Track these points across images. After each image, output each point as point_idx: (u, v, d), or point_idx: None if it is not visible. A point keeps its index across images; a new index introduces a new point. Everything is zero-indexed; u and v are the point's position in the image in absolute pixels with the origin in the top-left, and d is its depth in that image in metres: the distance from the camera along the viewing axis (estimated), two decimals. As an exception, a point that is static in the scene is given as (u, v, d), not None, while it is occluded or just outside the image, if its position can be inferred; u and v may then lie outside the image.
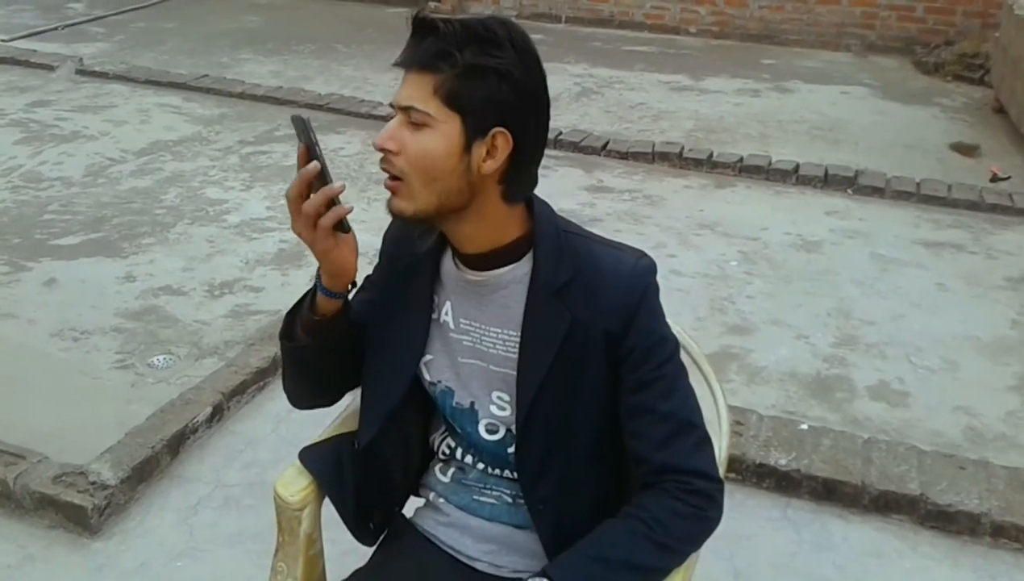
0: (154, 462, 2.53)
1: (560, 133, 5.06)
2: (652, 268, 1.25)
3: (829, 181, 4.63)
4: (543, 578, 1.16)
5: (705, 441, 1.25)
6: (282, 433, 2.74)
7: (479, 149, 1.15)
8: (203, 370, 2.94)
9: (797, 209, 4.41)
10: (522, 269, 1.25)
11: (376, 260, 1.40)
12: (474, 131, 1.15)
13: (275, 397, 2.90)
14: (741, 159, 4.81)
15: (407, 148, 1.15)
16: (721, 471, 1.35)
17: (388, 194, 1.21)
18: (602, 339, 1.21)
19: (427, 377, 1.34)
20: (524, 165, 1.20)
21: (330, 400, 1.44)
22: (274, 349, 2.97)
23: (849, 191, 4.58)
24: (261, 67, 6.48)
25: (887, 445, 2.62)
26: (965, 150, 5.17)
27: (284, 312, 1.35)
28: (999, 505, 2.40)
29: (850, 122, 5.63)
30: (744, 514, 2.45)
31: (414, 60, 1.15)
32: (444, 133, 1.14)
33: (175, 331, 3.19)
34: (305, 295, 1.31)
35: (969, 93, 6.25)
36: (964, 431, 2.79)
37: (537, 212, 1.25)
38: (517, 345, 1.25)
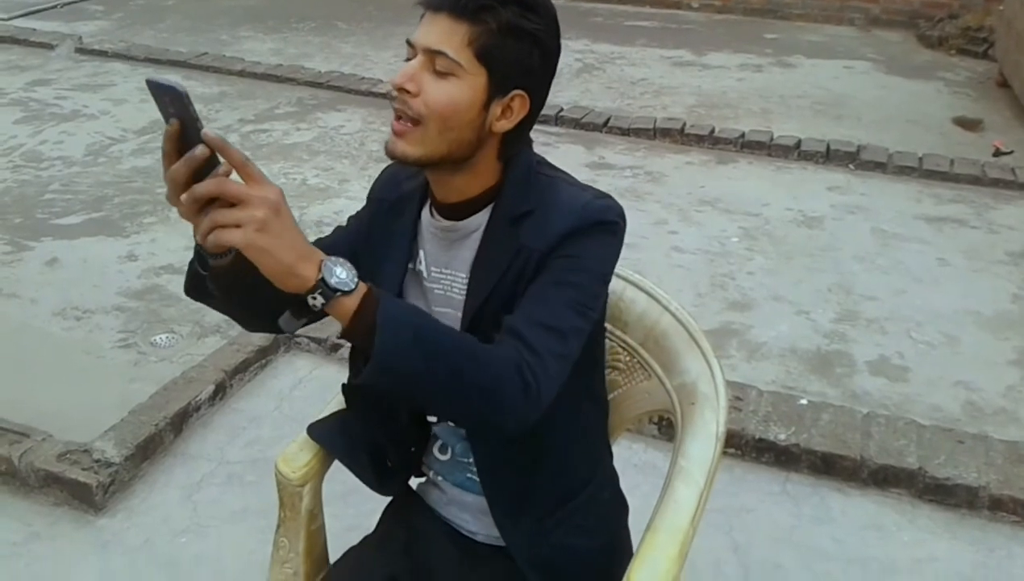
0: (158, 440, 2.55)
1: (561, 110, 5.04)
2: (608, 208, 1.20)
3: (831, 156, 4.62)
4: (370, 290, 1.05)
5: (556, 331, 1.13)
6: (284, 410, 2.75)
7: (496, 107, 1.15)
8: (205, 348, 2.96)
9: (799, 185, 4.40)
10: (488, 214, 1.24)
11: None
12: (497, 89, 1.14)
13: (277, 375, 2.92)
14: (743, 135, 4.79)
15: (428, 93, 1.12)
16: (719, 446, 1.36)
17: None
18: (536, 261, 1.18)
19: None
20: (528, 127, 1.21)
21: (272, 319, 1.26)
22: (276, 327, 2.98)
23: (851, 166, 4.57)
24: (261, 45, 6.45)
25: (886, 420, 2.63)
26: (968, 124, 5.15)
27: None
28: (997, 479, 2.41)
29: (853, 97, 5.61)
30: (743, 488, 2.47)
31: (453, 5, 1.11)
32: (470, 85, 1.13)
33: (177, 310, 3.20)
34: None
35: (973, 67, 6.21)
36: (964, 406, 2.80)
37: (517, 155, 1.24)
38: None
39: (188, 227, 1.04)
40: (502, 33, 1.12)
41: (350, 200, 4.01)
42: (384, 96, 5.26)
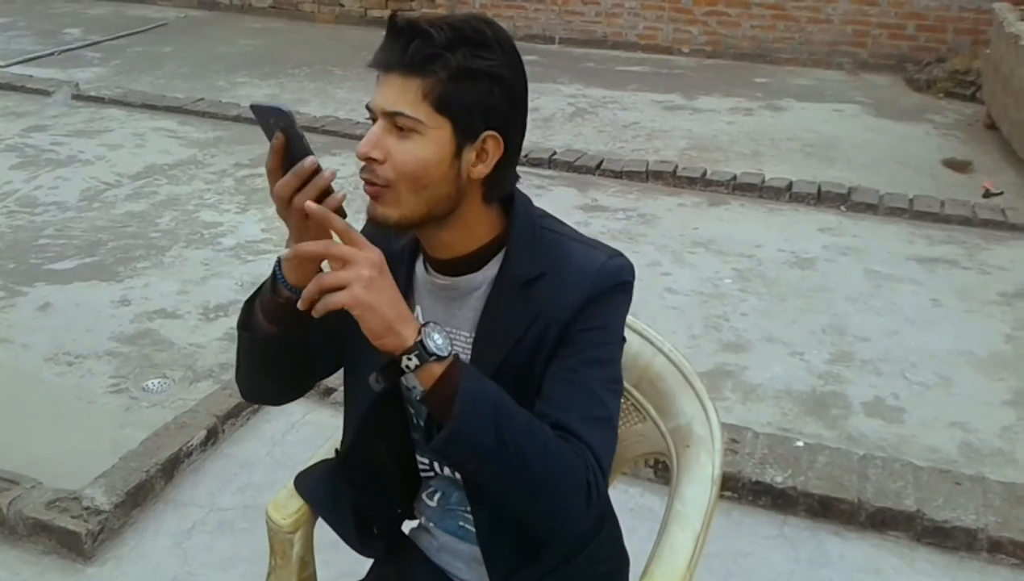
0: (148, 486, 2.52)
1: (554, 153, 5.08)
2: (623, 268, 1.20)
3: (822, 198, 4.65)
4: (457, 358, 1.07)
5: (608, 423, 1.16)
6: (276, 456, 2.73)
7: (469, 154, 1.12)
8: (198, 393, 2.94)
9: (791, 226, 4.42)
10: (492, 270, 1.21)
11: None
12: (464, 136, 1.11)
13: (270, 419, 2.90)
14: (735, 177, 4.83)
15: (394, 156, 1.10)
16: (715, 489, 1.35)
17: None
18: (557, 331, 1.16)
19: (404, 383, 1.27)
20: (509, 165, 1.17)
21: (290, 396, 1.35)
22: (269, 371, 2.97)
23: (842, 208, 4.60)
24: (257, 90, 6.51)
25: (883, 461, 2.62)
26: (957, 166, 5.20)
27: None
28: (996, 520, 2.39)
29: (843, 139, 5.66)
30: (740, 532, 2.45)
31: (399, 62, 1.09)
32: (434, 139, 1.09)
33: (169, 354, 3.18)
34: (265, 282, 1.20)
35: (961, 109, 6.29)
36: (960, 447, 2.79)
37: (516, 208, 1.21)
38: None
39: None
40: (454, 79, 1.08)
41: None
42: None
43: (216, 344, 3.26)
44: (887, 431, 2.86)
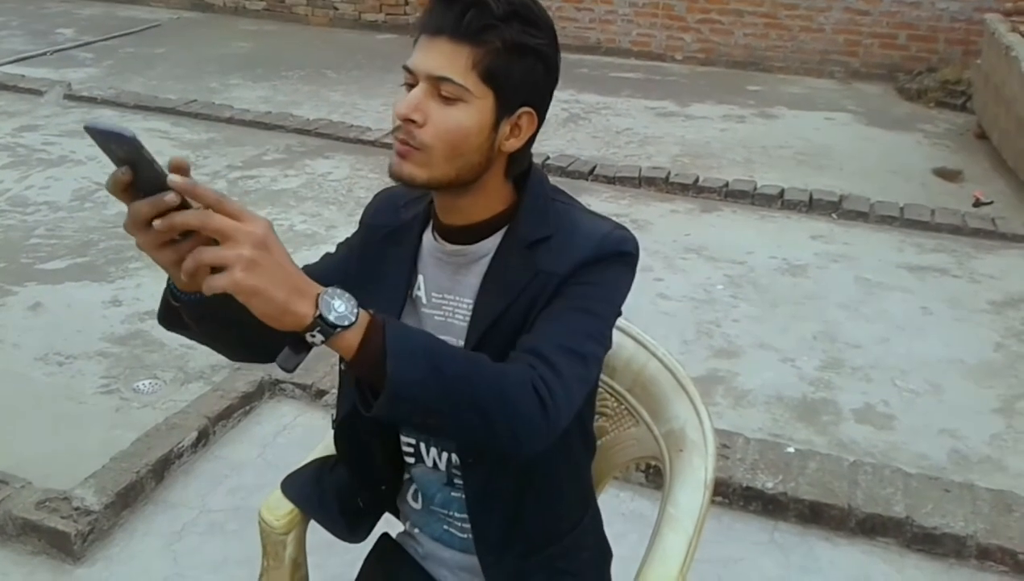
0: (139, 487, 2.51)
1: (548, 158, 5.09)
2: (626, 239, 1.19)
3: (814, 206, 4.67)
4: (373, 318, 1.00)
5: (579, 356, 1.11)
6: (268, 457, 2.72)
7: (504, 127, 1.13)
8: (189, 394, 2.93)
9: (782, 233, 4.44)
10: (499, 239, 1.21)
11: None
12: (504, 109, 1.12)
13: (261, 421, 2.89)
14: (727, 184, 4.85)
15: (435, 121, 1.09)
16: (708, 493, 1.35)
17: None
18: (553, 287, 1.15)
19: None
20: (532, 142, 1.19)
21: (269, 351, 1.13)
22: (260, 373, 2.97)
23: (834, 216, 4.62)
24: (250, 92, 6.50)
25: (873, 468, 2.63)
26: (948, 175, 5.23)
27: None
28: (984, 528, 2.40)
29: (834, 148, 5.69)
30: (731, 538, 2.45)
31: (453, 28, 1.07)
32: (477, 109, 1.10)
33: (161, 355, 3.17)
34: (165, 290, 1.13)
35: (951, 119, 6.33)
36: (949, 454, 2.81)
37: (531, 179, 1.22)
38: None
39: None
40: (506, 52, 1.09)
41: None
42: (372, 143, 5.30)
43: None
44: (877, 438, 2.88)
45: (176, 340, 3.30)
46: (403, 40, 7.89)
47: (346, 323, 0.95)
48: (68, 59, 7.29)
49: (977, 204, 4.80)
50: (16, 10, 8.79)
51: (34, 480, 2.46)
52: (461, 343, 1.20)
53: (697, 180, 4.90)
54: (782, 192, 4.76)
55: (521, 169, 1.21)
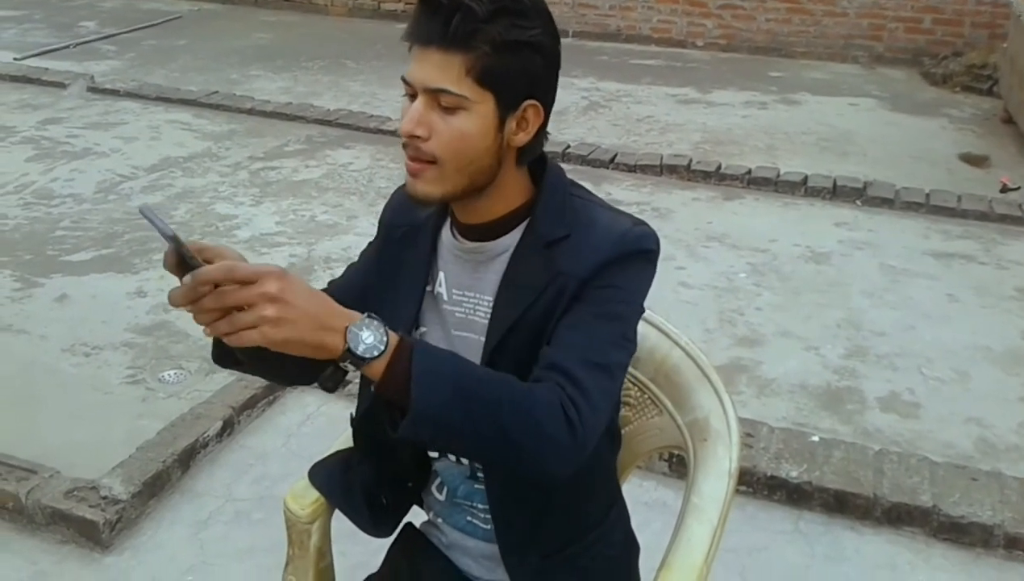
0: (165, 476, 2.53)
1: (568, 146, 5.08)
2: (647, 236, 1.18)
3: (838, 192, 4.63)
4: (401, 341, 1.02)
5: (604, 370, 1.11)
6: (292, 447, 2.74)
7: (510, 124, 1.12)
8: (213, 384, 2.95)
9: (806, 221, 4.40)
10: (519, 234, 1.20)
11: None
12: (507, 107, 1.11)
13: (285, 411, 2.91)
14: (749, 171, 4.81)
15: (440, 133, 1.09)
16: (732, 483, 1.35)
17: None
18: (573, 289, 1.14)
19: None
20: (543, 129, 1.18)
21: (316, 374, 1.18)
22: (284, 363, 2.98)
23: (858, 202, 4.58)
24: (271, 83, 6.52)
25: (899, 457, 2.61)
26: (974, 161, 5.16)
27: None
28: (1012, 516, 2.38)
29: (858, 133, 5.63)
30: (756, 527, 2.44)
31: (442, 37, 1.07)
32: (479, 113, 1.09)
33: (185, 346, 3.20)
34: None
35: (977, 104, 6.25)
36: (976, 442, 2.78)
37: (548, 175, 1.22)
38: None
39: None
40: (497, 52, 1.07)
41: (358, 236, 4.02)
42: (393, 133, 5.30)
43: (231, 336, 3.27)
44: (903, 426, 2.85)
45: (200, 330, 3.32)
46: (423, 29, 7.87)
47: (375, 354, 0.99)
48: (91, 52, 7.34)
49: (1004, 190, 4.74)
50: (40, 3, 8.86)
51: (62, 469, 2.49)
52: (482, 340, 1.21)
53: (719, 167, 4.86)
54: (805, 179, 4.71)
55: (534, 156, 1.20)
